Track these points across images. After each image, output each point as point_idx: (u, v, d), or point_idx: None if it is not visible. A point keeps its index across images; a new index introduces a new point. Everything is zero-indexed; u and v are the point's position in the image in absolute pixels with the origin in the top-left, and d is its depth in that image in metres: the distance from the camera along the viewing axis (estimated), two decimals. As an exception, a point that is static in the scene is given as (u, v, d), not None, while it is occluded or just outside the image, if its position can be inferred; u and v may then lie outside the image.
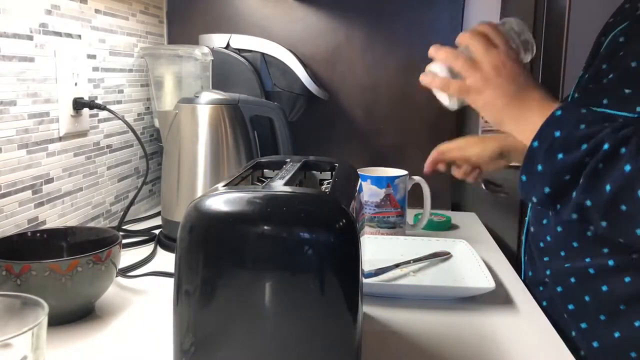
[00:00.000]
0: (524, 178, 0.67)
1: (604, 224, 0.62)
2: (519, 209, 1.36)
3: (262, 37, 1.21)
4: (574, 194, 0.62)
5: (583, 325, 0.74)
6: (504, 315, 0.75)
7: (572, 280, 0.75)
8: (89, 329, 0.69)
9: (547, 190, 0.65)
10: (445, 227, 1.16)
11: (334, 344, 0.48)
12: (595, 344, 0.73)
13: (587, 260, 0.73)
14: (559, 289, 0.78)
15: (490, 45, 0.69)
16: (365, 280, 0.78)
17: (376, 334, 0.69)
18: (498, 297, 0.80)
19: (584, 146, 0.61)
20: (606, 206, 0.60)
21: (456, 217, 1.28)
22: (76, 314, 0.71)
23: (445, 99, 0.74)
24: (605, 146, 0.60)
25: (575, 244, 0.75)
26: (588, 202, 0.62)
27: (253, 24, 1.34)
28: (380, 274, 0.83)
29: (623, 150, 0.59)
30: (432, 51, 0.73)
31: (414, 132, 1.34)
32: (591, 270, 0.73)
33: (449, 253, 0.93)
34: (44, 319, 0.46)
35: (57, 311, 0.66)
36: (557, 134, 0.63)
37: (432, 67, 0.74)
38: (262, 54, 1.20)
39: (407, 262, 0.88)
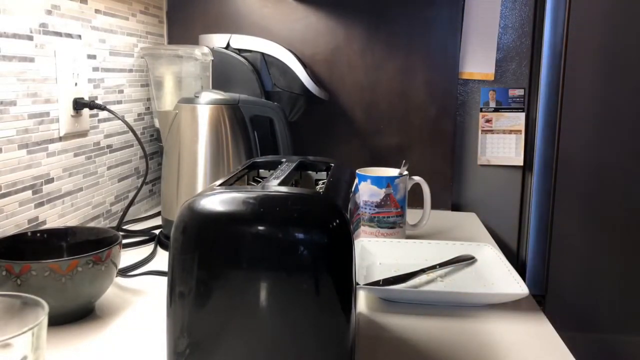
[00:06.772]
0: None
1: None
2: (519, 209, 1.37)
3: (262, 37, 1.21)
4: None
5: None
6: (505, 315, 0.75)
7: None
8: (89, 329, 0.69)
9: None
10: None
11: (328, 344, 0.48)
12: None
13: None
14: None
15: None
16: (396, 287, 0.78)
17: (371, 339, 0.69)
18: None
19: None
20: None
21: (456, 217, 1.28)
22: (76, 314, 0.71)
23: None
24: None
25: None
26: None
27: (253, 24, 1.34)
28: (408, 279, 0.82)
29: None
30: None
31: (414, 132, 1.34)
32: None
33: (473, 257, 0.92)
34: (44, 319, 0.46)
35: (57, 311, 0.66)
36: None
37: None
38: (262, 54, 1.20)
39: (434, 267, 0.87)
